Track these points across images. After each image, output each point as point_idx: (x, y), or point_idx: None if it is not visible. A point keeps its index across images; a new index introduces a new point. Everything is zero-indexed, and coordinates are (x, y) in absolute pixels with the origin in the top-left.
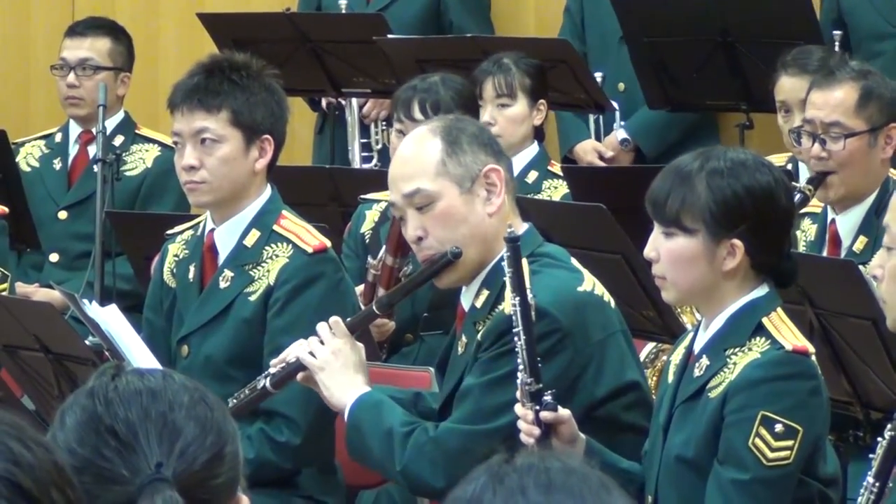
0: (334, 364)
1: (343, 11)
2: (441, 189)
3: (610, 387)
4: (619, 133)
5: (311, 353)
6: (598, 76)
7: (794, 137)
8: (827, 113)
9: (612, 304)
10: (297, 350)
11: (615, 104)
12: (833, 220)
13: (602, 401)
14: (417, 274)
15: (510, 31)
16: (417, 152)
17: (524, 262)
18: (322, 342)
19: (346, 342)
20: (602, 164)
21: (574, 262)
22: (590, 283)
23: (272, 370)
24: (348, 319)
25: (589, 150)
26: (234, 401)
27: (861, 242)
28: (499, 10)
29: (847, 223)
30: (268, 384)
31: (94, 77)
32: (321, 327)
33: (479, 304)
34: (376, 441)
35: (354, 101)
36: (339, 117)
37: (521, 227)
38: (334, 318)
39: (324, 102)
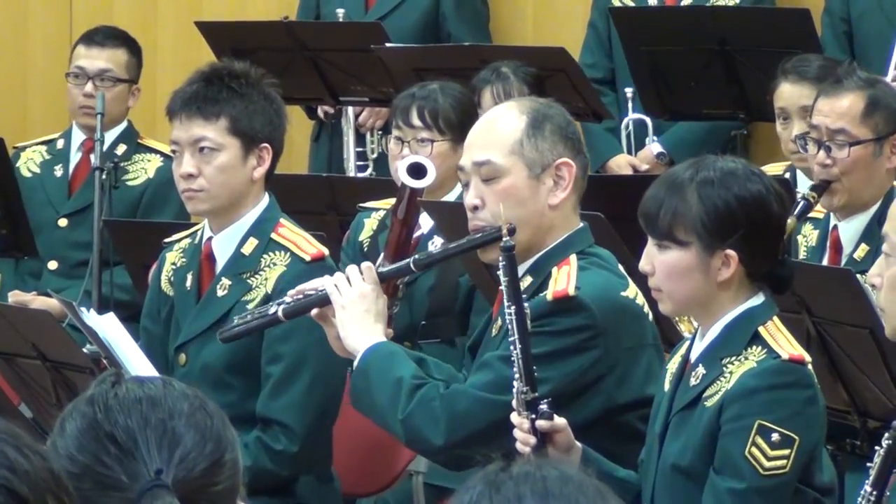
0: (358, 306)
1: (340, 20)
2: (511, 166)
3: (632, 396)
4: (655, 147)
5: (337, 290)
6: (629, 92)
7: (801, 144)
8: (833, 120)
9: (651, 317)
10: (323, 282)
11: (647, 119)
12: (835, 227)
13: (622, 408)
14: (464, 241)
15: (508, 41)
16: (500, 124)
17: (572, 257)
18: (350, 283)
19: (375, 289)
20: None
21: (620, 268)
22: (633, 292)
23: (287, 299)
24: (380, 269)
25: (623, 165)
26: (239, 319)
27: (862, 250)
28: (496, 18)
29: (849, 230)
30: (280, 312)
31: (112, 89)
32: (351, 269)
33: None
34: (383, 388)
35: (351, 109)
36: (336, 125)
37: (577, 226)
38: (367, 264)
39: (320, 111)
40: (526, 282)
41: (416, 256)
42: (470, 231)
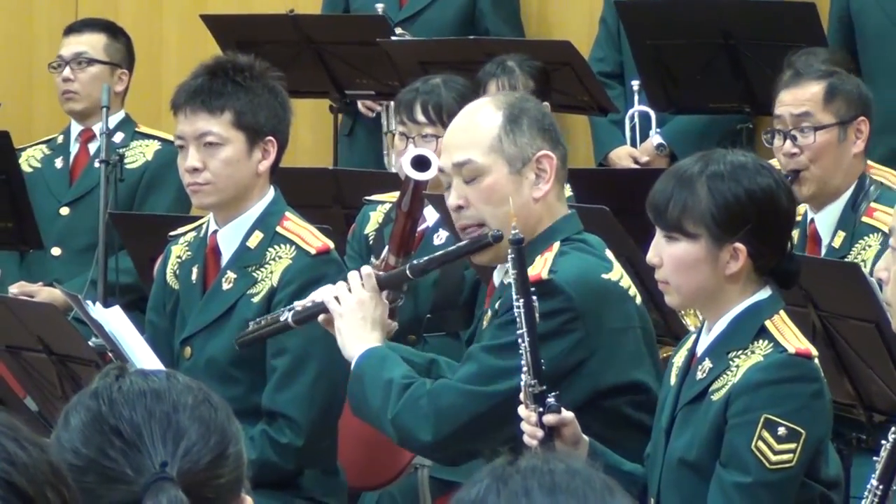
0: (356, 314)
1: (379, 13)
2: (491, 164)
3: (616, 380)
4: (655, 139)
5: (337, 299)
6: (635, 84)
7: (767, 138)
8: (796, 107)
9: (638, 300)
10: (323, 293)
11: (651, 112)
12: (812, 220)
13: (607, 392)
14: (454, 248)
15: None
16: (476, 123)
17: (556, 244)
18: (350, 290)
19: (373, 296)
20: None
21: (608, 253)
22: (617, 274)
23: (297, 307)
24: (380, 274)
25: (624, 157)
26: (254, 325)
27: (839, 238)
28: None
29: (825, 220)
30: (290, 318)
31: (87, 69)
32: (352, 275)
33: (507, 281)
34: (375, 391)
35: (392, 105)
36: (375, 121)
37: (565, 213)
38: (367, 271)
39: (361, 106)
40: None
41: (413, 264)
42: (458, 230)
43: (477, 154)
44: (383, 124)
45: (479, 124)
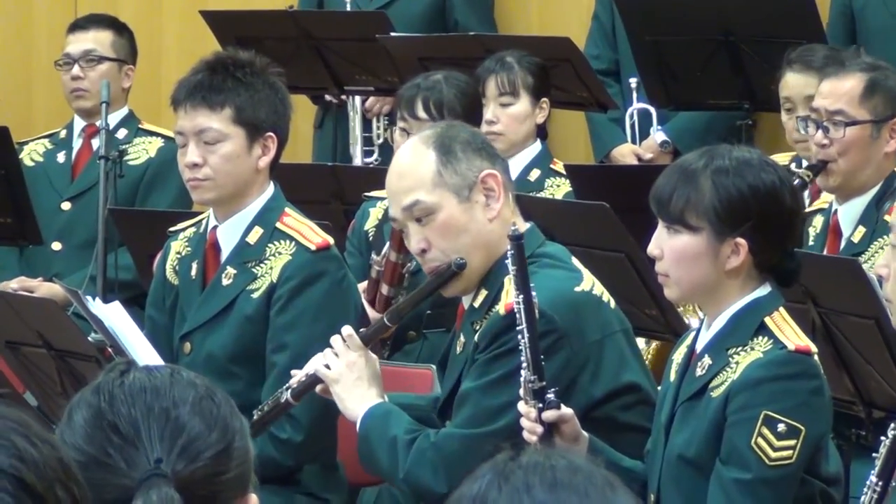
0: (349, 377)
1: (348, 8)
2: (440, 200)
3: (607, 388)
4: (658, 135)
5: (327, 366)
6: (633, 81)
7: (803, 126)
8: (832, 101)
9: (612, 304)
10: (314, 363)
11: (651, 109)
12: (836, 211)
13: (600, 402)
14: (424, 285)
15: (513, 30)
16: (412, 165)
17: None
18: (337, 354)
19: (361, 355)
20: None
21: (574, 261)
22: (588, 283)
23: (293, 383)
24: (362, 331)
25: (627, 154)
26: (259, 412)
27: (859, 233)
28: (501, 7)
29: (848, 214)
30: (289, 396)
31: (97, 67)
32: (335, 340)
33: (476, 303)
34: (383, 450)
35: (357, 96)
36: (342, 111)
37: (523, 227)
38: (348, 332)
39: (328, 96)
40: (481, 296)
41: (390, 311)
42: (426, 273)
43: (422, 193)
44: (349, 115)
45: (415, 166)
